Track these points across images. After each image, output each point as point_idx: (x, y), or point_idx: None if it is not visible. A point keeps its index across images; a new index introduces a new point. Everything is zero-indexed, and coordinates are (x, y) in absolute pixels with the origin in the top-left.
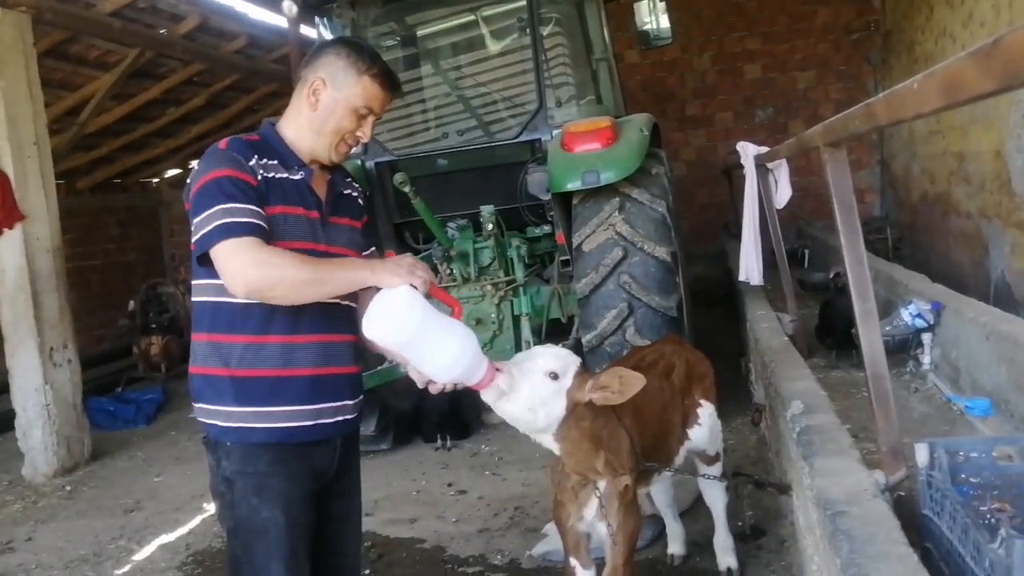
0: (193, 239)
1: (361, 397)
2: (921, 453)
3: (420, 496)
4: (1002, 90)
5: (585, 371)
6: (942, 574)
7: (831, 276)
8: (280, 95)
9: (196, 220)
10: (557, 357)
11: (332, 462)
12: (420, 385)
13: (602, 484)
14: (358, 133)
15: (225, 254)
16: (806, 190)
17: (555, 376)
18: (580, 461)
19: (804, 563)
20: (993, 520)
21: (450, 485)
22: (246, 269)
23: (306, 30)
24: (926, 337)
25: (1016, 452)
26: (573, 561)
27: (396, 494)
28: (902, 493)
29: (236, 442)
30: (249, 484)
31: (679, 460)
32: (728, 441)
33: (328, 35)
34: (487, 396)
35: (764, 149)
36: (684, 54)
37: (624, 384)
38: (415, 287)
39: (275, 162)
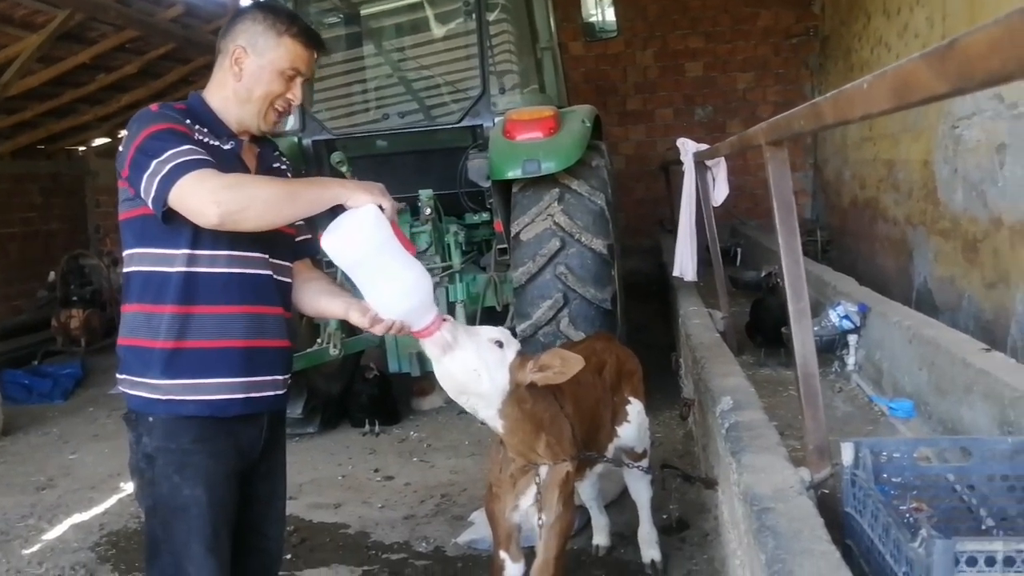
0: (149, 196)
1: (290, 375)
2: (847, 452)
3: (346, 481)
4: (955, 92)
5: (525, 355)
6: (863, 571)
7: (763, 275)
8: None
9: (145, 175)
10: (501, 331)
11: (258, 440)
12: (365, 326)
13: (543, 471)
14: (288, 96)
15: (188, 187)
16: (741, 189)
17: (500, 344)
18: (522, 441)
19: (727, 556)
20: (911, 520)
21: (377, 471)
22: (216, 192)
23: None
24: (852, 339)
25: (935, 454)
26: (503, 554)
27: (321, 478)
28: (826, 491)
29: (161, 416)
30: (171, 461)
31: (609, 455)
32: (656, 434)
33: None
34: (431, 347)
35: (704, 146)
36: (628, 49)
37: (565, 364)
38: (382, 209)
39: (206, 130)
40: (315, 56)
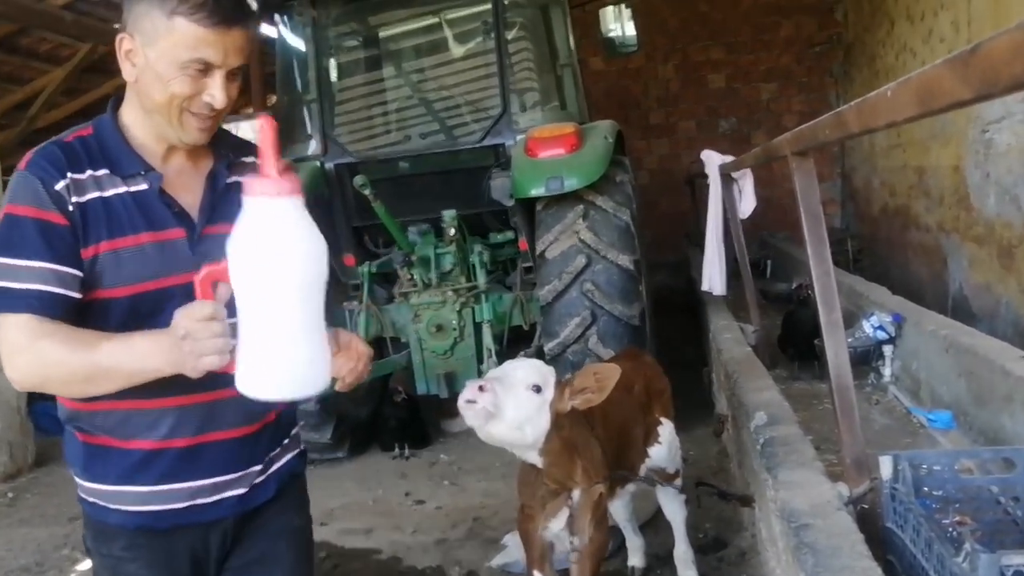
0: None
1: (265, 463)
2: (885, 466)
3: (377, 506)
4: (979, 98)
5: (561, 381)
6: None
7: (794, 287)
8: (242, 93)
9: None
10: (536, 369)
11: (219, 548)
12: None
13: (575, 494)
14: (205, 98)
15: None
16: (769, 201)
17: (538, 389)
18: (559, 469)
19: (766, 575)
20: (955, 533)
21: (408, 495)
22: (12, 356)
23: (268, 29)
24: (887, 349)
25: (977, 465)
26: (537, 574)
27: (352, 504)
28: (865, 506)
29: (90, 517)
30: (104, 565)
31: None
32: (689, 452)
33: (288, 34)
34: (473, 419)
35: (728, 158)
36: (648, 62)
37: (601, 380)
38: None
39: (104, 171)
40: (232, 37)
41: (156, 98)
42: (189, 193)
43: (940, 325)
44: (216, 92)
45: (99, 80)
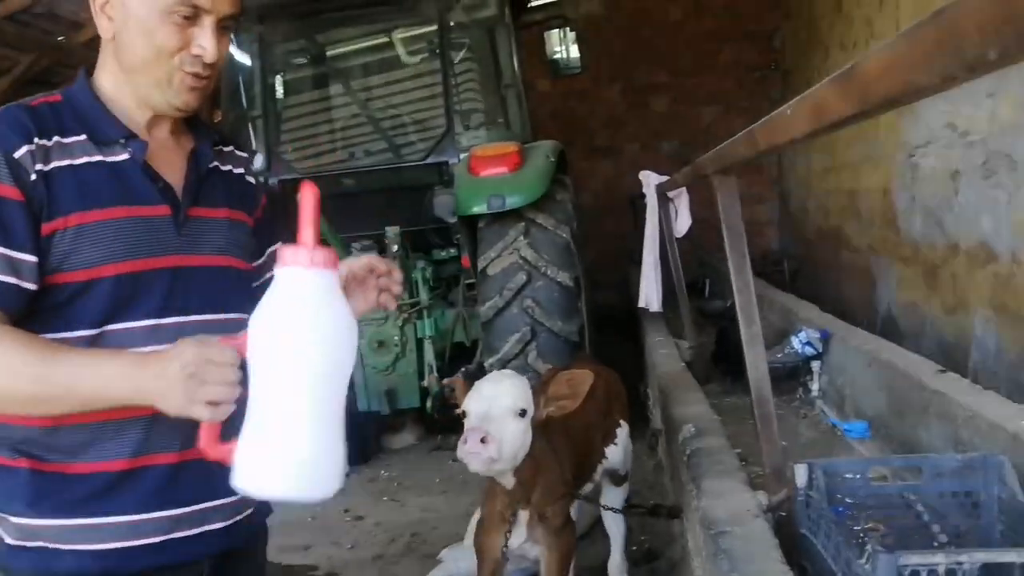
0: None
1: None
2: (800, 474)
3: (315, 522)
4: (860, 115)
5: (534, 391)
6: None
7: (728, 304)
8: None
9: None
10: (517, 390)
11: None
12: None
13: (524, 513)
14: (195, 50)
15: None
16: (707, 222)
17: (523, 413)
18: (523, 491)
19: None
20: (866, 539)
21: (347, 511)
22: None
23: None
24: (815, 365)
25: (890, 472)
26: None
27: (290, 520)
28: (783, 513)
29: (23, 570)
30: None
31: (596, 479)
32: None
33: (234, 50)
34: (478, 468)
35: (666, 178)
36: (594, 85)
37: (574, 386)
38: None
39: (81, 137)
40: None
41: (139, 53)
42: (171, 170)
43: (864, 341)
44: (206, 43)
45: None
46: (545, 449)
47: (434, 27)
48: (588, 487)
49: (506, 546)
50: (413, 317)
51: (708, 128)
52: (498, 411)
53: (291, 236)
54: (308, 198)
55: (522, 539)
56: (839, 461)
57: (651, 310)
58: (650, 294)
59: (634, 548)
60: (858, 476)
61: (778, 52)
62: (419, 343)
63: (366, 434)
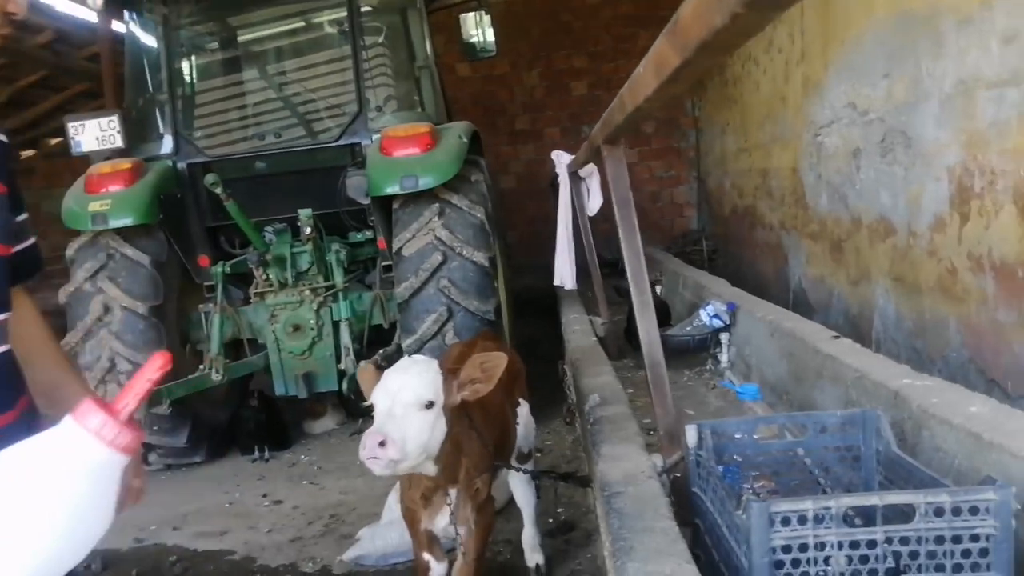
0: None
1: None
2: (691, 434)
3: (233, 508)
4: (685, 63)
5: (447, 377)
6: (707, 546)
7: None
8: (94, 95)
9: None
10: (423, 379)
11: None
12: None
13: (452, 491)
14: None
15: None
16: None
17: (430, 404)
18: (448, 474)
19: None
20: (755, 494)
21: (265, 496)
22: None
23: (119, 26)
24: (724, 336)
25: (777, 429)
26: (426, 555)
27: (207, 507)
28: (677, 474)
29: None
30: None
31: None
32: (546, 442)
33: (138, 31)
34: (381, 472)
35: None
36: (514, 70)
37: (488, 369)
38: None
39: None
40: None
41: None
42: None
43: (767, 312)
44: None
45: None
46: (466, 428)
47: (343, 9)
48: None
49: (428, 525)
50: (329, 300)
51: None
52: (401, 408)
53: (198, 214)
54: (149, 367)
55: (445, 522)
56: (727, 421)
57: (565, 287)
58: (564, 272)
59: (550, 521)
60: (747, 435)
61: None
62: (335, 326)
63: (284, 419)
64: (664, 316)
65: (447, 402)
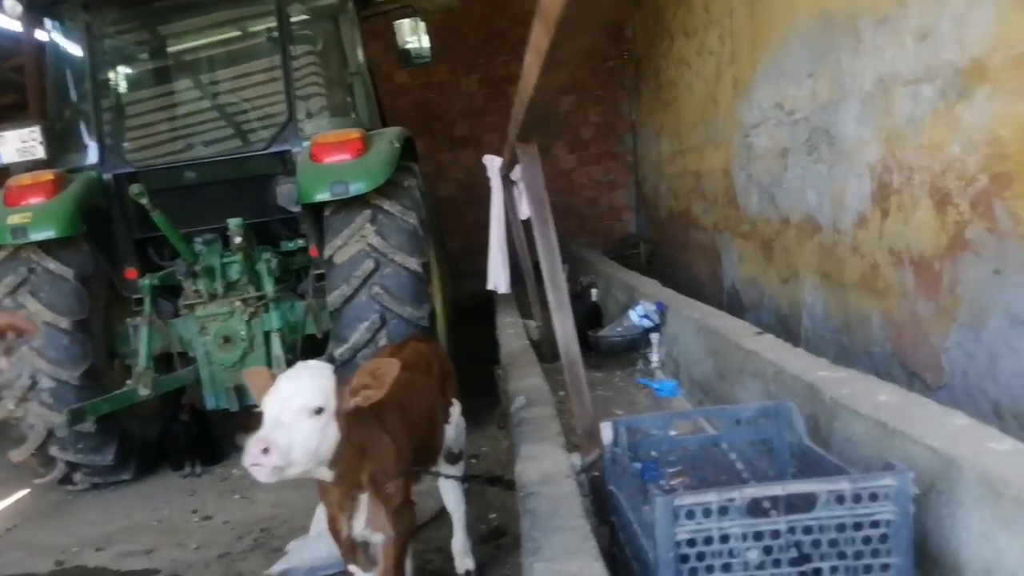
0: None
1: None
2: (606, 432)
3: (161, 525)
4: (553, 44)
5: (340, 376)
6: (622, 544)
7: (574, 283)
8: (22, 106)
9: None
10: (312, 386)
11: None
12: None
13: (363, 496)
14: None
15: None
16: (568, 208)
17: (319, 410)
18: (350, 478)
19: None
20: (668, 490)
21: (195, 512)
22: None
23: (43, 36)
24: (654, 336)
25: (691, 425)
26: (352, 567)
27: (134, 525)
28: (596, 473)
29: None
30: None
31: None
32: (482, 447)
33: (60, 39)
34: (266, 479)
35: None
36: (452, 76)
37: (379, 376)
38: None
39: None
40: None
41: None
42: None
43: (694, 310)
44: None
45: None
46: (373, 432)
47: (272, 15)
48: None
49: (350, 532)
50: (260, 311)
51: (566, 117)
52: (288, 415)
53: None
54: None
55: (363, 526)
56: (642, 417)
57: (499, 291)
58: (497, 276)
59: (482, 526)
60: (661, 431)
61: (630, 41)
62: (267, 337)
63: (216, 433)
64: (597, 319)
65: (339, 408)
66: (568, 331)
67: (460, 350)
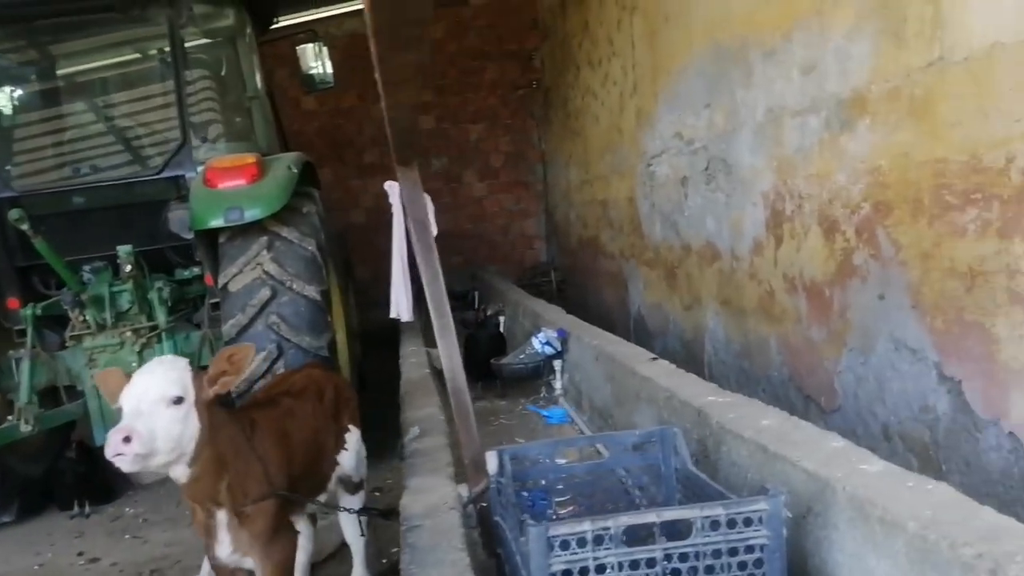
0: None
1: None
2: (491, 462)
3: (43, 570)
4: (379, 56)
5: (198, 373)
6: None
7: (477, 311)
8: None
9: None
10: (168, 377)
11: None
12: None
13: (222, 515)
14: None
15: None
16: (481, 237)
17: (179, 400)
18: (203, 488)
19: None
20: (551, 519)
21: (81, 555)
22: None
23: None
24: (557, 363)
25: (576, 452)
26: None
27: (12, 572)
28: (484, 504)
29: None
30: None
31: (331, 486)
32: (387, 480)
33: None
34: (129, 468)
35: None
36: (361, 102)
37: (235, 362)
38: None
39: None
40: None
41: None
42: None
43: (592, 336)
44: None
45: None
46: (239, 446)
47: (164, 37)
48: (322, 496)
49: (214, 555)
50: (152, 341)
51: (476, 144)
52: (147, 404)
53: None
54: None
55: (228, 550)
56: (527, 445)
57: (402, 319)
58: (400, 304)
59: (384, 561)
60: (547, 459)
61: (538, 71)
62: None
63: (107, 470)
64: (501, 347)
65: (199, 397)
66: (454, 359)
67: (369, 381)
